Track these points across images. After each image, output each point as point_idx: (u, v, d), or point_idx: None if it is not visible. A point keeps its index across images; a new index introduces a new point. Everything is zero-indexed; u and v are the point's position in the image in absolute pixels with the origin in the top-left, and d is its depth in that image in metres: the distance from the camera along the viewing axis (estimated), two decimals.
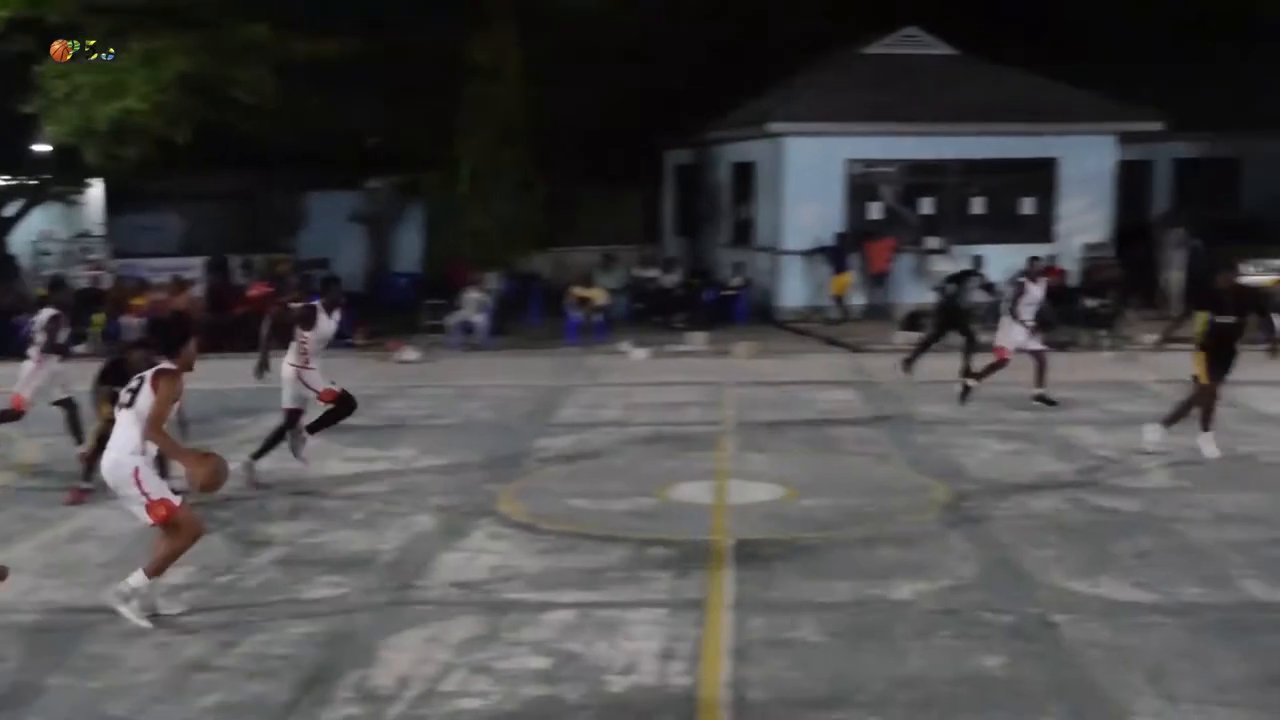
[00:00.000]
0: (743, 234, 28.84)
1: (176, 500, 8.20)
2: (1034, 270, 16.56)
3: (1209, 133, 30.78)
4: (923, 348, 18.24)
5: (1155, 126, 27.18)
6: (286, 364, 12.22)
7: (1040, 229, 26.58)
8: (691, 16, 30.94)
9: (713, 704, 6.96)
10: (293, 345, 12.24)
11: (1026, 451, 13.55)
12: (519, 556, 9.76)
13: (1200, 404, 13.14)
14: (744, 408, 16.50)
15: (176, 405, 8.42)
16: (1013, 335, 16.12)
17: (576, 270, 26.40)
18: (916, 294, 26.06)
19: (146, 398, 8.13)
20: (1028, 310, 16.13)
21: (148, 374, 8.25)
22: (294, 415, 12.29)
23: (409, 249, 30.52)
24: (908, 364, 18.03)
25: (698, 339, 22.74)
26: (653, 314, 25.93)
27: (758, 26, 31.96)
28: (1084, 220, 26.64)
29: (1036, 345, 16.13)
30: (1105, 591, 8.81)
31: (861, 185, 26.80)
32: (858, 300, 26.21)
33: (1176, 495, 11.57)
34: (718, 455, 13.56)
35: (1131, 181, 29.19)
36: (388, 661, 7.57)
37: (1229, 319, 13.01)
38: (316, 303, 12.44)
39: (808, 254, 26.20)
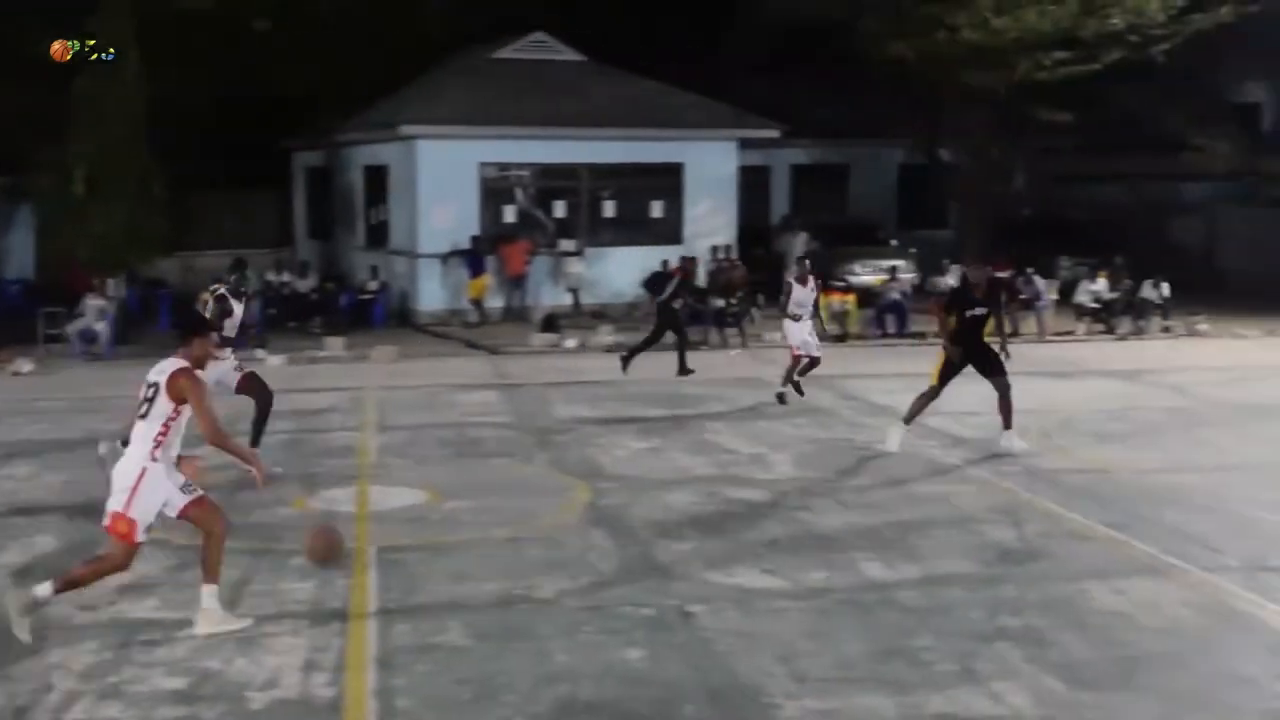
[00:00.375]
0: (378, 237, 28.53)
1: (140, 537, 7.84)
2: (802, 272, 17.25)
3: (821, 140, 32.63)
4: (644, 346, 18.98)
5: (773, 133, 28.56)
6: None
7: (669, 231, 27.48)
8: (319, 17, 30.41)
9: (359, 715, 6.87)
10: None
11: (662, 448, 13.97)
12: (152, 573, 9.34)
13: (921, 399, 13.59)
14: (385, 412, 16.34)
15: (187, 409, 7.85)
16: (794, 333, 16.81)
17: (206, 275, 25.45)
18: (553, 296, 26.49)
19: (162, 406, 7.70)
20: (798, 309, 16.82)
21: (161, 380, 7.73)
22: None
23: (20, 254, 28.69)
24: (626, 361, 18.72)
25: (335, 344, 22.34)
26: (288, 319, 25.31)
27: (386, 28, 31.68)
28: (710, 223, 27.68)
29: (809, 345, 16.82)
30: (739, 580, 9.19)
31: (495, 188, 27.00)
32: (495, 303, 26.37)
33: (801, 485, 12.19)
34: (359, 461, 13.38)
35: (753, 186, 30.59)
36: (3, 693, 7.10)
37: (979, 312, 13.43)
38: (224, 290, 12.77)
39: (444, 257, 26.17)
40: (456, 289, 26.24)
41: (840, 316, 24.18)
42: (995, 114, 29.36)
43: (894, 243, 30.15)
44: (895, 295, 24.74)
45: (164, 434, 7.76)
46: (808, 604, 8.67)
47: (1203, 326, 25.05)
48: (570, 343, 22.82)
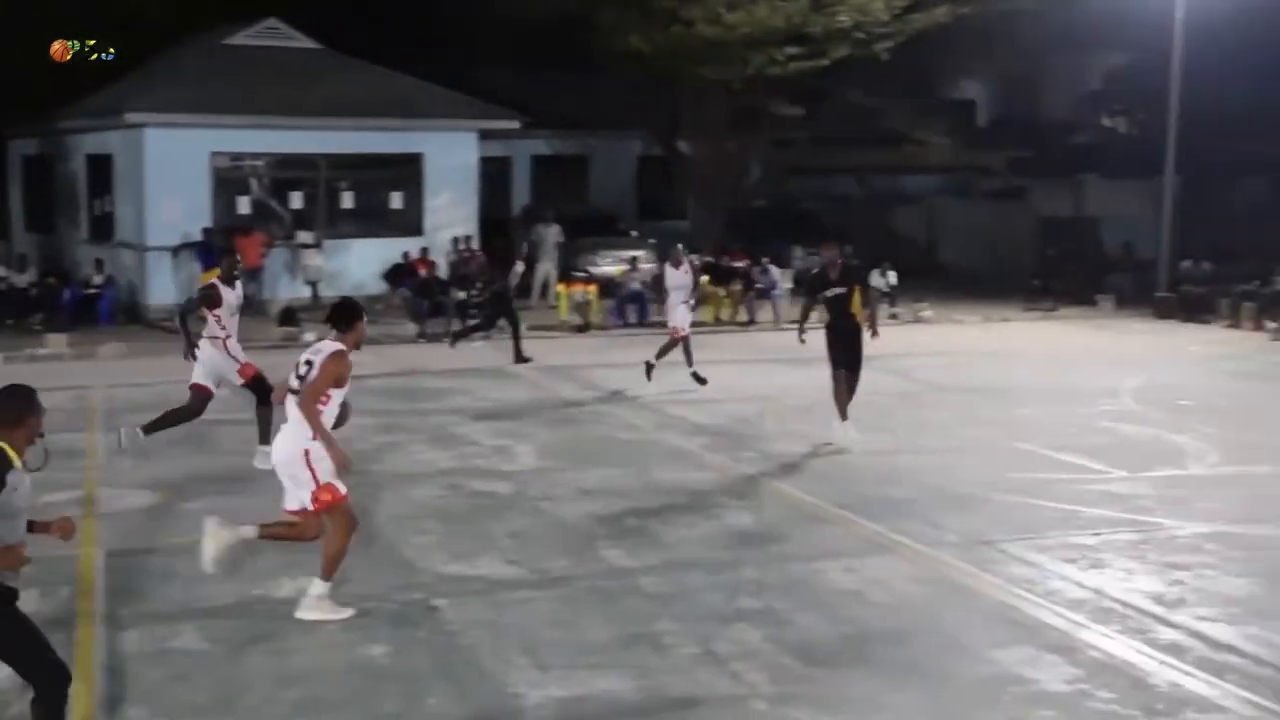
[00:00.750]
0: (103, 229, 27.35)
1: (343, 490, 8.10)
2: (676, 256, 17.52)
3: (561, 131, 32.83)
4: (471, 330, 19.65)
5: (513, 124, 28.55)
6: (205, 338, 12.24)
7: (410, 223, 27.17)
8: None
9: None
10: (208, 323, 12.24)
11: (404, 442, 13.84)
12: None
13: (837, 391, 13.60)
14: (113, 412, 15.69)
15: (344, 389, 8.18)
16: (677, 316, 17.00)
17: None
18: (291, 289, 25.91)
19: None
20: (676, 294, 17.07)
21: (318, 358, 8.03)
22: (200, 393, 12.28)
23: None
24: (454, 340, 19.49)
25: (58, 341, 21.32)
26: (6, 316, 24.06)
27: (107, 7, 30.39)
28: (451, 214, 27.48)
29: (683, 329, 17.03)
30: (483, 572, 9.20)
31: (228, 178, 26.22)
32: None
33: (545, 475, 12.26)
34: (86, 464, 12.82)
35: (494, 177, 30.53)
36: None
37: (839, 291, 13.48)
38: (215, 280, 12.32)
39: (175, 250, 25.29)
40: (189, 283, 25.31)
41: (582, 307, 24.37)
42: (731, 107, 30.04)
43: (634, 233, 30.53)
44: (636, 286, 25.07)
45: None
46: (551, 593, 8.74)
47: (927, 313, 26.20)
48: (309, 336, 22.25)
